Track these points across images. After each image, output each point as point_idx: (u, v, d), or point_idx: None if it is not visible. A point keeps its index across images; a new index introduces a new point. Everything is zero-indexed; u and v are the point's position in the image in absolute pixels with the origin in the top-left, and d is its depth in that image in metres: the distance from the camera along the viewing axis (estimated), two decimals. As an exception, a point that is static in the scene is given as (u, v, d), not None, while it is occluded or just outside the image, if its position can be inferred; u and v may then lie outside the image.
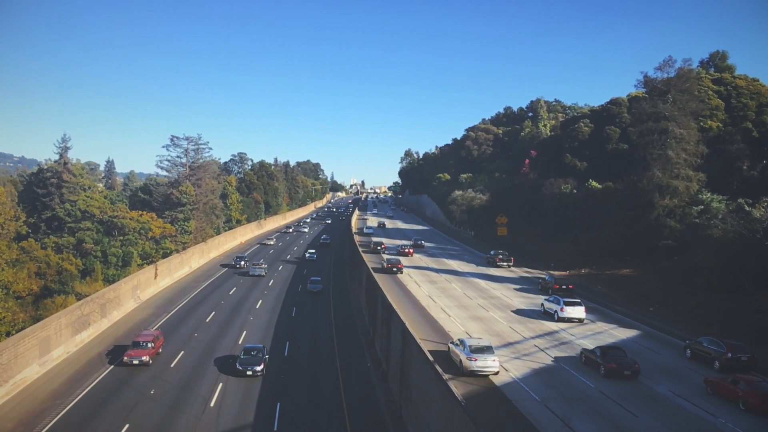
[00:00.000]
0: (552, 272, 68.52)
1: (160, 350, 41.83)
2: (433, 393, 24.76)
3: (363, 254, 70.09)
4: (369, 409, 33.45)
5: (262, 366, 37.99)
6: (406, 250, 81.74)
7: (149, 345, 39.77)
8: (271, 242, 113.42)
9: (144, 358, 38.71)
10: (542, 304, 46.66)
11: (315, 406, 33.41)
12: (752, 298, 42.44)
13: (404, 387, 31.12)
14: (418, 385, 27.81)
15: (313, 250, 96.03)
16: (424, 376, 26.32)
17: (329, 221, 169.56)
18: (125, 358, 38.78)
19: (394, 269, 64.50)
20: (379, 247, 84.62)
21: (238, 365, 38.13)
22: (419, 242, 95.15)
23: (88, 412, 30.83)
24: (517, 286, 59.24)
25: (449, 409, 22.08)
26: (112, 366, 39.00)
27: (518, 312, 46.98)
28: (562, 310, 43.41)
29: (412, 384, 29.19)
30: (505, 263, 72.91)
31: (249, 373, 37.53)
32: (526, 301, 51.83)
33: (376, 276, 52.24)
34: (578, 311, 43.45)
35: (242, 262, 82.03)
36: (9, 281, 57.65)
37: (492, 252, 78.37)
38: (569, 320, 43.35)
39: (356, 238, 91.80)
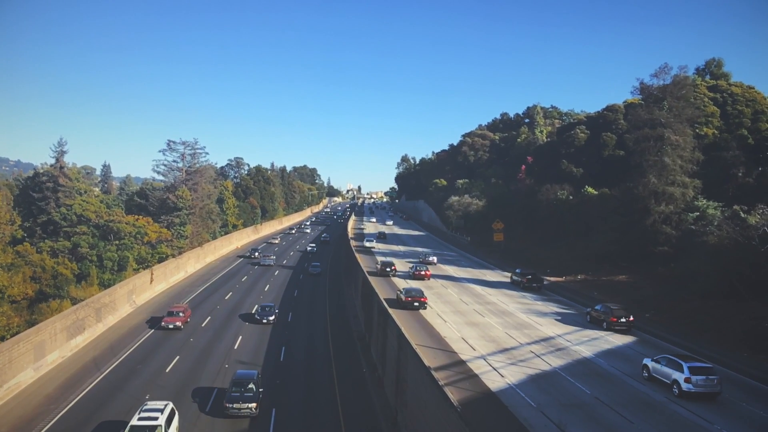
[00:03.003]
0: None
1: (188, 320, 51.42)
2: (428, 398, 24.70)
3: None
4: (364, 414, 33.33)
5: (273, 317, 52.35)
6: (423, 272, 65.44)
7: (181, 314, 50.17)
8: (276, 241, 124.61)
9: (177, 323, 48.90)
10: (645, 366, 32.11)
11: (310, 411, 33.27)
12: (748, 304, 42.55)
13: (400, 392, 31.04)
14: (413, 391, 27.73)
15: (314, 244, 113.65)
16: (420, 382, 26.25)
17: (329, 223, 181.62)
18: (163, 323, 48.85)
19: (416, 303, 48.27)
20: (388, 269, 67.75)
21: (256, 316, 52.51)
22: (430, 258, 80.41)
23: (83, 417, 30.61)
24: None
25: (445, 414, 22.02)
26: (152, 330, 48.78)
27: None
28: (687, 380, 28.55)
29: (407, 389, 29.11)
30: (535, 284, 60.85)
31: (264, 321, 51.71)
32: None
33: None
34: (712, 383, 28.73)
35: (256, 254, 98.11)
36: (4, 285, 57.44)
37: (519, 270, 65.59)
38: (697, 396, 28.43)
39: (352, 243, 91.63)
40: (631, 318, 42.93)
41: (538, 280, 61.41)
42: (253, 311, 55.01)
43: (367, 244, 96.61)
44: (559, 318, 47.38)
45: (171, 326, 48.60)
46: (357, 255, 73.99)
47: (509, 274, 72.28)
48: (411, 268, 68.39)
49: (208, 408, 32.37)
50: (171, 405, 28.78)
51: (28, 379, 35.80)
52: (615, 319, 42.63)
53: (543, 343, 39.41)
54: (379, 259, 78.58)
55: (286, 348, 45.26)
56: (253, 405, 30.97)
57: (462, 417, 20.18)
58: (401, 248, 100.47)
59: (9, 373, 33.87)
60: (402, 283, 59.99)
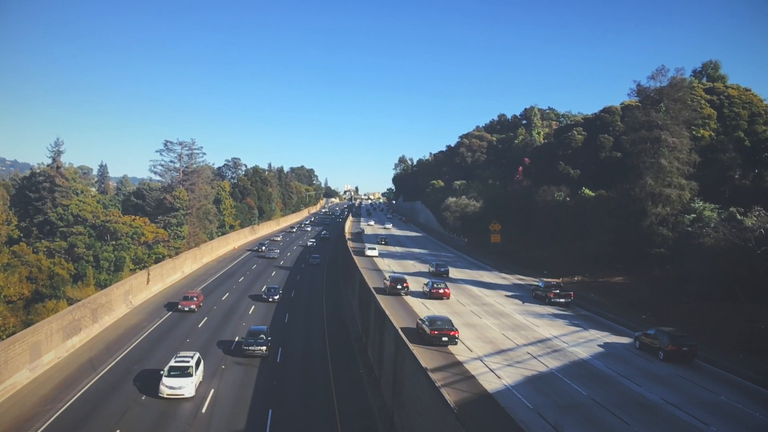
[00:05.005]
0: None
1: (201, 304, 58.01)
2: (425, 399, 24.70)
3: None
4: (361, 415, 33.32)
5: (278, 296, 62.82)
6: (441, 290, 54.56)
7: (195, 298, 57.48)
8: (278, 239, 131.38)
9: (192, 306, 56.28)
10: None
11: (307, 412, 33.25)
12: (744, 306, 42.63)
13: (396, 393, 31.04)
14: (410, 392, 27.74)
15: (314, 240, 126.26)
16: (417, 383, 26.26)
17: (327, 223, 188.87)
18: (179, 306, 56.18)
19: (444, 338, 37.54)
20: (399, 286, 56.22)
21: (263, 295, 62.99)
22: (443, 270, 69.42)
23: (79, 417, 30.54)
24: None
25: (442, 415, 22.03)
26: (170, 312, 55.85)
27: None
28: None
29: (404, 390, 29.11)
30: (562, 299, 53.19)
31: (270, 300, 61.90)
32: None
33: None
34: None
35: (263, 247, 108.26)
36: (0, 285, 57.23)
37: (541, 283, 57.82)
38: None
39: (350, 244, 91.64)
40: (695, 348, 35.71)
41: (566, 295, 53.52)
42: (261, 292, 65.39)
43: (369, 253, 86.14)
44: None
45: (186, 309, 56.05)
46: (354, 256, 73.97)
47: (508, 276, 72.50)
48: (426, 285, 56.85)
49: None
50: (198, 354, 37.37)
51: (24, 379, 35.70)
52: (674, 348, 35.28)
53: (539, 344, 39.43)
54: (386, 273, 66.81)
55: (282, 348, 45.22)
56: (264, 348, 42.21)
57: (459, 418, 20.19)
58: (399, 249, 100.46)
59: (5, 374, 33.75)
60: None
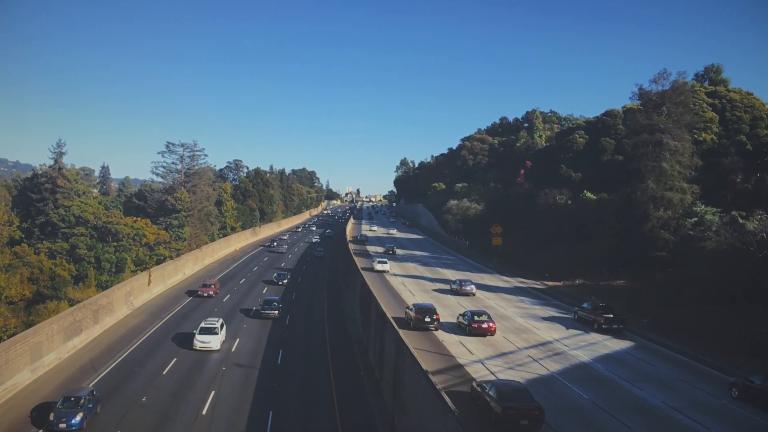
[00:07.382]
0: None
1: (218, 291, 66.44)
2: (426, 402, 24.69)
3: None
4: (361, 417, 33.32)
5: (286, 280, 74.32)
6: (486, 325, 41.04)
7: (212, 286, 66.06)
8: (285, 237, 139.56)
9: (210, 292, 64.43)
10: None
11: (307, 414, 33.27)
12: (745, 310, 42.50)
13: (397, 396, 31.03)
14: (411, 394, 27.73)
15: (318, 237, 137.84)
16: (418, 385, 26.25)
17: (330, 223, 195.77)
18: (199, 291, 64.80)
19: (524, 421, 24.26)
20: (428, 319, 41.85)
21: (273, 279, 75.08)
22: (468, 288, 57.79)
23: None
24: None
25: (442, 418, 22.02)
26: (191, 298, 63.98)
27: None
28: None
29: (405, 393, 29.10)
30: (616, 325, 43.38)
31: (280, 283, 73.33)
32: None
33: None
34: None
35: (274, 243, 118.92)
36: (1, 286, 57.30)
37: (587, 305, 47.67)
38: None
39: (351, 246, 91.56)
40: None
41: (620, 320, 43.93)
42: (273, 277, 76.18)
43: (379, 267, 72.59)
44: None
45: (205, 294, 64.11)
46: (355, 258, 73.96)
47: (509, 279, 72.45)
48: (462, 316, 43.35)
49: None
50: (222, 320, 47.75)
51: (25, 380, 35.74)
52: None
53: (541, 347, 39.36)
54: (409, 303, 50.05)
55: (283, 351, 45.26)
56: (276, 312, 55.08)
57: (459, 421, 20.18)
58: (400, 251, 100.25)
59: (6, 375, 33.80)
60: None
